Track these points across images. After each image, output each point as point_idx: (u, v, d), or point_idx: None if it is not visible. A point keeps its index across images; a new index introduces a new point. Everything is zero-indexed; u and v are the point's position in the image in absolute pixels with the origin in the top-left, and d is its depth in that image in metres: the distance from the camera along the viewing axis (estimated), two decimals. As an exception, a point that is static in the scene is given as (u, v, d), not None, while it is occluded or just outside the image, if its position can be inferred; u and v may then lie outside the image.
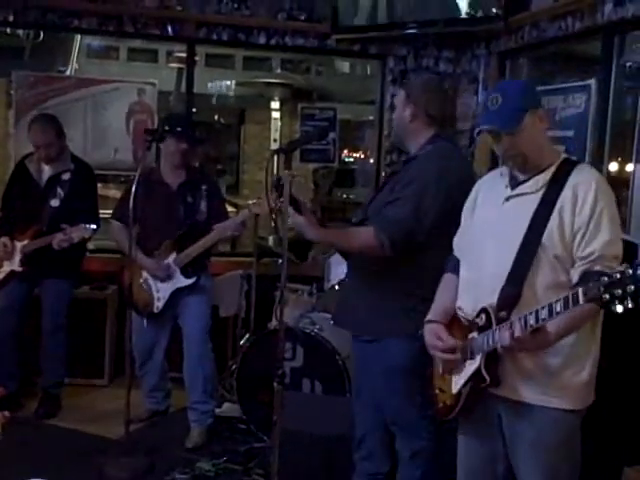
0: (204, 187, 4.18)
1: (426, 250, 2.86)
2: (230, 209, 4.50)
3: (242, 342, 4.69)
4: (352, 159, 9.14)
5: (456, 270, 2.53)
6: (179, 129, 4.08)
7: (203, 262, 4.23)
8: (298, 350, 4.04)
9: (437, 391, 2.46)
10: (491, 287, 2.24)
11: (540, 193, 2.24)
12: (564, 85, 4.53)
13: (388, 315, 2.94)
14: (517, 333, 2.08)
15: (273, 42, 5.59)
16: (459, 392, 2.33)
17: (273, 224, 2.90)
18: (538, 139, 2.29)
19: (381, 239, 2.78)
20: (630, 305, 1.77)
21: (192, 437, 4.14)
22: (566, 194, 2.20)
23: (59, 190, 4.41)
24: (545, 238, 2.18)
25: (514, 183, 2.33)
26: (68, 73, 7.61)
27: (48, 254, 4.27)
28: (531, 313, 2.06)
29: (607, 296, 1.80)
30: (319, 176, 7.78)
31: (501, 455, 2.39)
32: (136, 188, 3.61)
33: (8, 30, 6.46)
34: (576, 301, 1.91)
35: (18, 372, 4.47)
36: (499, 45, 5.32)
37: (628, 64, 4.49)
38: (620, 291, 1.78)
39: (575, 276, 2.16)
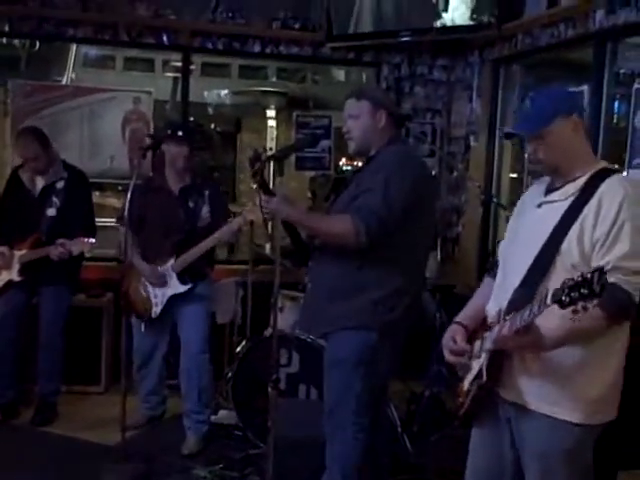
0: (207, 192, 4.18)
1: (390, 243, 2.90)
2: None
3: (238, 349, 4.69)
4: (349, 167, 9.18)
5: (494, 274, 2.53)
6: (180, 133, 4.09)
7: (202, 269, 4.22)
8: (294, 356, 4.05)
9: (459, 389, 2.45)
10: (511, 290, 2.24)
11: (569, 201, 2.21)
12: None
13: (347, 308, 2.96)
14: (504, 331, 2.11)
15: (268, 51, 5.63)
16: (468, 390, 2.34)
17: (265, 228, 2.95)
18: (569, 146, 2.24)
19: (357, 226, 2.81)
20: (580, 307, 1.79)
21: (188, 444, 4.14)
22: (592, 204, 2.15)
23: (54, 199, 4.42)
24: (564, 246, 2.15)
25: (548, 189, 2.32)
26: (64, 82, 7.61)
27: (46, 263, 4.28)
28: (522, 312, 2.07)
29: (567, 299, 1.81)
30: (316, 184, 7.79)
31: (509, 459, 2.37)
32: (132, 195, 3.62)
33: (4, 40, 6.47)
34: (545, 301, 1.92)
35: (15, 380, 4.47)
36: (493, 53, 5.37)
37: (621, 71, 4.52)
38: (576, 294, 1.79)
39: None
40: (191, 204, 4.14)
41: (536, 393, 2.22)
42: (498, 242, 2.68)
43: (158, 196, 4.14)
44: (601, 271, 1.80)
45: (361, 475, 3.04)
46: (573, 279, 1.82)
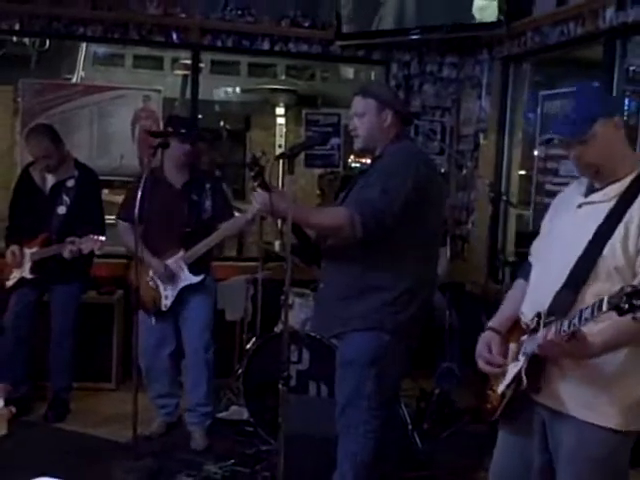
0: (208, 185, 4.20)
1: (401, 243, 2.91)
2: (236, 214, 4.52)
3: (248, 346, 4.71)
4: (358, 164, 9.17)
5: (527, 275, 2.50)
6: (183, 130, 4.10)
7: (208, 262, 4.25)
8: (304, 353, 4.06)
9: (489, 391, 2.43)
10: (550, 292, 2.21)
11: (611, 203, 2.18)
12: (567, 90, 4.56)
13: (359, 310, 2.97)
14: (550, 336, 2.07)
15: (277, 48, 5.64)
16: (503, 394, 2.31)
17: (277, 227, 2.97)
18: (612, 148, 2.21)
19: (352, 217, 2.81)
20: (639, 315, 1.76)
21: (197, 439, 4.17)
22: (636, 206, 2.14)
23: (65, 197, 4.44)
24: (607, 249, 2.12)
25: (589, 191, 2.28)
26: (74, 81, 7.65)
27: (57, 261, 4.30)
28: (571, 317, 2.03)
29: (626, 306, 1.78)
30: (325, 182, 7.80)
31: (536, 464, 2.34)
32: (142, 191, 3.64)
33: (14, 38, 6.50)
34: (600, 307, 1.88)
35: (28, 376, 4.49)
36: (502, 50, 5.36)
37: (631, 68, 4.51)
38: (639, 302, 1.77)
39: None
40: (195, 197, 4.15)
41: (573, 398, 2.19)
42: (528, 240, 2.62)
43: (160, 190, 4.12)
44: None
45: (372, 473, 3.06)
46: (633, 285, 1.80)
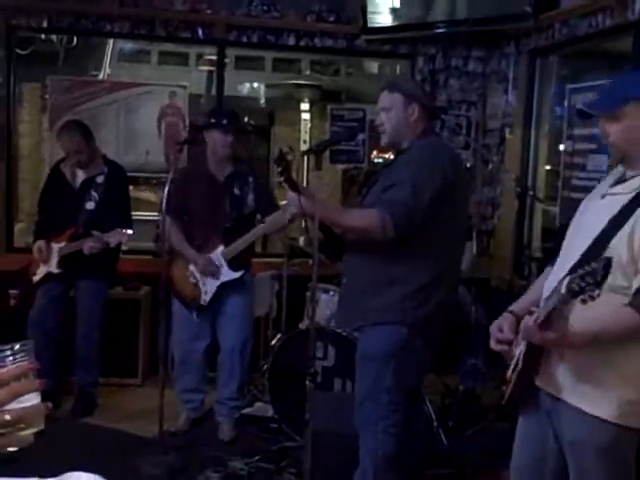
0: (251, 179, 4.19)
1: (424, 237, 2.90)
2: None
3: (273, 342, 4.72)
4: (382, 160, 9.15)
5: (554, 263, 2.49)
6: (225, 121, 4.09)
7: (248, 258, 4.24)
8: (329, 350, 4.06)
9: (507, 377, 2.43)
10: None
11: (630, 196, 2.16)
12: (595, 83, 4.50)
13: (379, 303, 2.97)
14: (528, 323, 2.11)
15: (302, 43, 5.63)
16: (510, 378, 2.33)
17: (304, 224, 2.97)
18: (638, 134, 2.17)
19: (383, 219, 2.81)
20: (587, 296, 1.83)
21: (225, 431, 4.21)
22: None
23: (94, 193, 4.49)
24: (614, 242, 2.11)
25: (616, 181, 2.27)
26: (101, 77, 7.70)
27: (84, 256, 4.33)
28: (544, 306, 2.07)
29: (576, 287, 1.83)
30: (349, 178, 7.78)
31: (552, 453, 2.34)
32: (171, 187, 3.66)
33: (42, 36, 6.55)
34: (559, 291, 1.94)
35: (55, 371, 4.54)
36: (529, 43, 5.30)
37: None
38: (583, 283, 1.82)
39: (635, 285, 2.09)
40: (237, 191, 4.15)
41: (569, 384, 2.21)
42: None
43: (202, 184, 4.15)
44: (608, 262, 1.81)
45: (394, 469, 3.05)
46: (584, 268, 1.84)
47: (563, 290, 1.90)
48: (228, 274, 4.14)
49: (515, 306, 2.47)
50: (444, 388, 4.57)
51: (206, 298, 4.18)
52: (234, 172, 4.18)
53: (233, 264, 4.14)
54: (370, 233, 2.88)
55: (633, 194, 2.16)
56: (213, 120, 4.13)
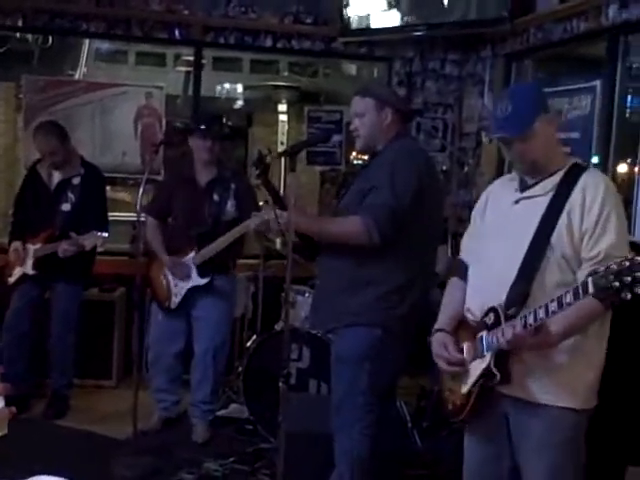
0: (234, 186, 4.18)
1: (400, 236, 2.91)
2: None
3: (249, 343, 4.71)
4: (360, 161, 9.16)
5: (462, 274, 2.55)
6: (202, 126, 4.10)
7: (223, 263, 4.23)
8: (304, 351, 4.06)
9: (447, 393, 2.47)
10: (499, 287, 2.26)
11: (549, 195, 2.28)
12: (570, 87, 4.54)
13: (352, 305, 2.98)
14: (518, 331, 2.12)
15: (280, 45, 5.62)
16: (469, 392, 2.34)
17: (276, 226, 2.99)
18: (548, 143, 2.32)
19: (367, 224, 2.84)
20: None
21: (199, 432, 4.21)
22: (575, 197, 2.23)
23: (70, 194, 4.46)
24: (554, 238, 2.21)
25: (523, 186, 2.37)
26: (77, 77, 7.65)
27: (59, 258, 4.30)
28: (536, 309, 2.10)
29: (617, 284, 1.85)
30: (326, 179, 7.78)
31: (506, 455, 2.40)
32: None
33: (17, 35, 6.50)
34: (585, 290, 1.95)
35: (29, 374, 4.50)
36: (505, 47, 5.33)
37: (634, 65, 4.50)
38: (629, 278, 1.84)
39: (582, 277, 2.17)
40: (216, 197, 4.16)
41: (536, 385, 2.26)
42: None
43: (185, 188, 4.17)
44: (633, 262, 1.85)
45: (369, 470, 3.05)
46: (617, 263, 1.88)
47: (591, 290, 1.93)
48: (195, 280, 4.15)
49: (441, 324, 2.51)
50: (419, 390, 4.58)
51: (176, 301, 4.20)
52: (216, 178, 4.19)
53: (202, 270, 4.14)
54: (355, 240, 2.90)
55: (552, 192, 2.28)
56: (194, 125, 4.14)
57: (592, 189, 2.23)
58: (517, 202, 2.36)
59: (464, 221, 5.82)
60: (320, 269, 3.19)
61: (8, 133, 5.98)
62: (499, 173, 5.47)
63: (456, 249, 5.15)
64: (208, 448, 4.11)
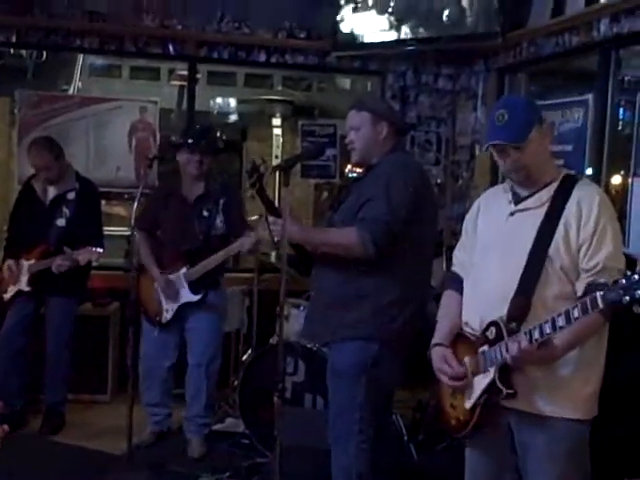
0: (222, 201, 4.18)
1: (392, 251, 2.90)
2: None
3: (244, 357, 4.70)
4: (355, 174, 9.16)
5: (457, 287, 2.55)
6: (190, 141, 4.10)
7: (215, 278, 4.23)
8: (300, 365, 4.05)
9: (448, 408, 2.46)
10: (498, 301, 2.27)
11: (544, 208, 2.29)
12: (562, 100, 4.57)
13: (348, 319, 2.98)
14: (524, 346, 2.12)
15: (274, 60, 5.65)
16: (473, 407, 2.33)
17: (271, 238, 3.00)
18: (542, 154, 2.35)
19: (363, 237, 2.84)
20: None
21: (195, 447, 4.19)
22: (570, 209, 2.24)
23: (65, 210, 4.45)
24: (551, 250, 2.22)
25: (517, 199, 2.38)
26: (71, 92, 7.66)
27: (54, 273, 4.29)
28: (542, 324, 2.11)
29: (627, 298, 1.87)
30: (321, 192, 7.80)
31: (509, 468, 2.40)
32: (144, 204, 3.67)
33: (12, 50, 6.51)
34: (595, 306, 1.97)
35: (24, 390, 4.48)
36: (497, 61, 5.37)
37: (626, 78, 4.53)
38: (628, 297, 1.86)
39: (580, 288, 2.21)
40: (205, 213, 4.16)
41: (539, 397, 2.26)
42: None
43: (174, 204, 4.16)
44: None
45: None
46: (625, 276, 1.91)
47: (601, 305, 1.95)
48: (187, 296, 4.15)
49: (438, 338, 2.51)
50: (415, 403, 4.58)
51: (167, 316, 4.19)
52: (205, 193, 4.18)
53: (194, 286, 4.14)
54: (350, 252, 2.90)
55: (547, 205, 2.29)
56: (182, 139, 4.13)
57: (587, 201, 2.24)
58: (512, 214, 2.37)
59: (458, 234, 5.84)
60: (315, 282, 3.19)
61: (2, 148, 5.97)
62: (493, 186, 5.49)
63: (451, 262, 5.17)
64: (204, 462, 4.09)
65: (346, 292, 2.98)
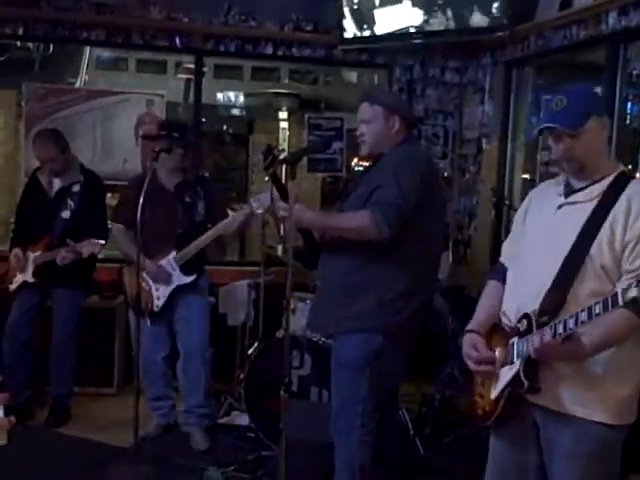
0: (199, 188, 4.24)
1: (398, 242, 2.89)
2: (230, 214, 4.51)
3: (250, 351, 4.70)
4: (362, 167, 9.17)
5: (501, 277, 2.51)
6: (175, 134, 4.10)
7: (201, 263, 4.27)
8: (306, 358, 4.05)
9: (477, 397, 2.43)
10: (535, 293, 2.23)
11: (594, 202, 2.23)
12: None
13: (353, 310, 2.97)
14: (547, 339, 2.08)
15: (280, 53, 5.65)
16: (497, 398, 2.30)
17: (277, 231, 2.99)
18: (598, 146, 2.28)
19: (376, 219, 2.82)
20: None
21: (198, 440, 4.19)
22: (620, 206, 2.18)
23: (69, 202, 4.45)
24: (594, 248, 2.16)
25: (568, 191, 2.32)
26: (78, 85, 7.66)
27: (59, 265, 4.29)
28: (566, 319, 2.06)
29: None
30: (327, 185, 7.80)
31: (533, 464, 2.35)
32: (145, 195, 3.66)
33: (18, 43, 6.52)
34: (615, 302, 1.91)
35: (30, 382, 4.50)
36: (505, 54, 5.35)
37: (634, 72, 4.51)
38: None
39: (620, 288, 2.09)
40: (188, 199, 4.20)
41: (566, 395, 2.21)
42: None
43: (152, 193, 4.13)
44: None
45: (370, 478, 3.04)
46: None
47: (620, 302, 1.90)
48: (181, 278, 4.16)
49: (474, 325, 2.47)
50: (421, 397, 4.58)
51: (158, 304, 4.19)
52: (183, 181, 4.22)
53: (185, 269, 4.16)
54: (363, 234, 2.88)
55: (597, 200, 2.23)
56: (162, 132, 4.13)
57: (638, 200, 2.18)
58: (560, 207, 2.31)
59: (465, 228, 5.83)
60: (321, 273, 3.18)
61: (9, 141, 5.99)
62: (500, 180, 5.49)
63: (457, 255, 5.17)
64: (209, 456, 4.09)
65: (351, 283, 2.97)
